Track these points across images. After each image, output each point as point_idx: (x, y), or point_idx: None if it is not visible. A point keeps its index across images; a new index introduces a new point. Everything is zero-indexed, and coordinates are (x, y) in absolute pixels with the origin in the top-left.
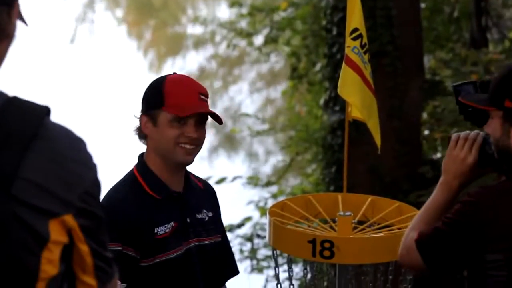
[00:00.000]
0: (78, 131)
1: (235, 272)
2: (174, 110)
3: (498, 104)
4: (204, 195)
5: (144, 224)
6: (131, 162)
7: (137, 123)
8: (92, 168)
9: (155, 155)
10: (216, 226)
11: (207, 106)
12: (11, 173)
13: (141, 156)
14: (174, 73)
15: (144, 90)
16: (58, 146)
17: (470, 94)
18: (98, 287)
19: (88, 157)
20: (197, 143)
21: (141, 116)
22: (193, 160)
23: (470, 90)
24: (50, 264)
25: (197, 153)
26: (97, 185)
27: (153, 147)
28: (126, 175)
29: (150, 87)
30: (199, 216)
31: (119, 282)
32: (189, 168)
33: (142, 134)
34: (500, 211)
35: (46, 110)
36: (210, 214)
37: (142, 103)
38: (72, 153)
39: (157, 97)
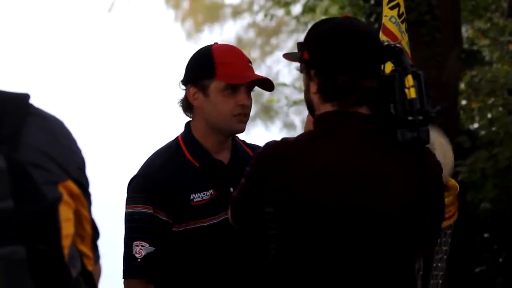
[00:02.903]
0: (118, 100)
1: None
2: (228, 78)
3: (302, 58)
4: None
5: (179, 189)
6: (167, 133)
7: (181, 95)
8: (80, 148)
9: (203, 124)
10: None
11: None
12: (16, 138)
13: (188, 124)
14: (215, 43)
15: (188, 61)
16: (50, 123)
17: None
18: (94, 261)
19: (74, 137)
20: (249, 111)
21: (188, 87)
22: (245, 128)
23: None
24: (67, 222)
25: (247, 121)
26: (85, 164)
27: (203, 117)
28: (170, 142)
29: (197, 58)
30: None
31: (147, 245)
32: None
33: (188, 106)
34: (278, 163)
35: (28, 95)
36: None
37: (189, 74)
38: (62, 131)
39: (207, 67)
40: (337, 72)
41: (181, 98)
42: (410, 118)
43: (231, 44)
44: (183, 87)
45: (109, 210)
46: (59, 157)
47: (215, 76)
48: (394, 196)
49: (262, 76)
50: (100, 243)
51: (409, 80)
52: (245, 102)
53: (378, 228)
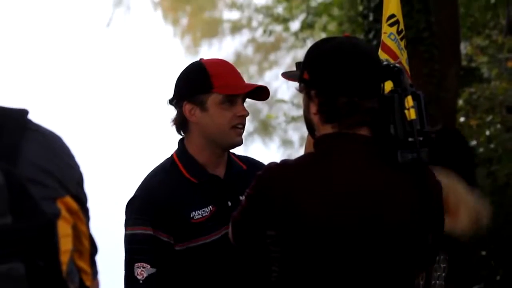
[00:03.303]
0: (116, 115)
1: None
2: (227, 90)
3: (301, 78)
4: (248, 176)
5: (179, 208)
6: (166, 148)
7: (172, 114)
8: (77, 163)
9: (200, 140)
10: None
11: None
12: (14, 154)
13: (181, 141)
14: (201, 59)
15: (178, 79)
16: (48, 139)
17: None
18: (92, 276)
19: (72, 152)
20: (245, 122)
21: (184, 104)
22: (243, 141)
23: None
24: (65, 238)
25: (243, 132)
26: (83, 179)
27: (201, 132)
28: (165, 160)
29: (189, 74)
30: (242, 198)
31: (148, 266)
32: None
33: (183, 123)
34: (279, 186)
35: (26, 111)
36: None
37: (183, 91)
38: (61, 146)
39: (203, 81)
40: (338, 92)
41: (174, 117)
42: (410, 139)
43: (228, 59)
44: (178, 105)
45: (107, 225)
46: (57, 173)
47: (212, 89)
48: (395, 217)
49: (260, 84)
50: (98, 258)
51: (409, 101)
52: (244, 113)
53: (380, 249)
